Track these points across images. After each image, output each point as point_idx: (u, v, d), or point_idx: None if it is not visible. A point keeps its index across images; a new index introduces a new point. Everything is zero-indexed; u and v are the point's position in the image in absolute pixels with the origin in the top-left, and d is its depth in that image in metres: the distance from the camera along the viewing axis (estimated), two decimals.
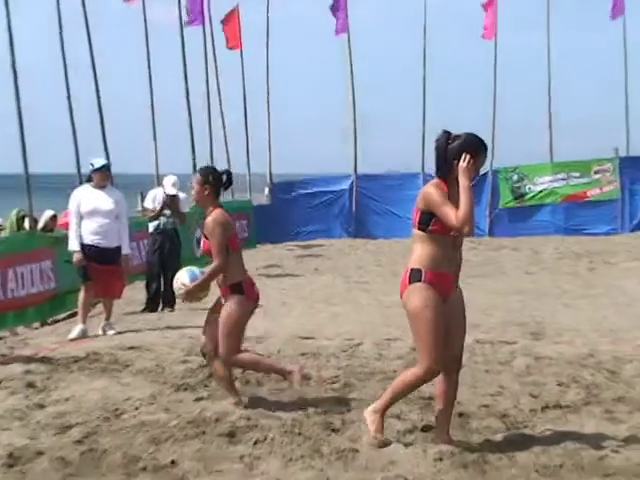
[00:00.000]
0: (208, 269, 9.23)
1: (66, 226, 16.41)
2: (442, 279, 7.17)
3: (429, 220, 7.11)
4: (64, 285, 18.44)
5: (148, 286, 17.48)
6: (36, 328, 17.44)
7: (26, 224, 19.35)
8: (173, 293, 17.47)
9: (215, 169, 9.80)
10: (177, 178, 18.26)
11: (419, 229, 7.19)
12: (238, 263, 9.29)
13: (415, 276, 7.18)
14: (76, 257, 14.36)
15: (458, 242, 7.35)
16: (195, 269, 9.45)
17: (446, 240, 7.17)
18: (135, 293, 17.64)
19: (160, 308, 17.29)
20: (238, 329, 9.17)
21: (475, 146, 7.20)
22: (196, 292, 9.34)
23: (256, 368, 9.66)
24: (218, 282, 9.28)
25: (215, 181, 9.46)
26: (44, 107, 23.77)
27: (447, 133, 7.27)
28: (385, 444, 7.41)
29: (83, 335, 14.01)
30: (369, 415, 7.48)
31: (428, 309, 7.12)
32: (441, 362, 7.23)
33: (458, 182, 7.06)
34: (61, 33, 23.30)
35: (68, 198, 14.93)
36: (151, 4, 28.27)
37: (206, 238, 9.27)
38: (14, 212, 19.63)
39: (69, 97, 23.21)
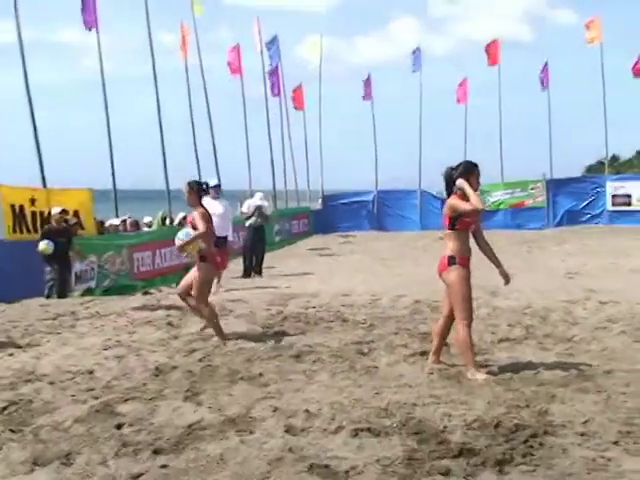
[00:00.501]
0: (195, 233, 9.22)
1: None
2: (466, 261, 7.13)
3: (455, 222, 7.09)
4: (192, 260, 18.59)
5: (244, 261, 17.56)
6: (173, 287, 17.53)
7: (167, 222, 19.59)
8: (261, 265, 17.81)
9: (197, 181, 9.94)
10: (263, 193, 18.91)
11: (450, 229, 7.16)
12: (209, 242, 9.35)
13: (452, 260, 7.13)
14: (177, 244, 14.62)
15: (478, 234, 7.29)
16: (190, 231, 9.34)
17: (467, 235, 7.16)
18: (235, 265, 17.66)
19: (252, 275, 17.37)
20: (204, 286, 9.25)
21: (470, 168, 7.16)
22: (186, 246, 9.31)
23: (209, 320, 9.35)
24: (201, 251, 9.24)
25: (197, 188, 9.51)
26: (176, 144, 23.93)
27: (450, 167, 7.24)
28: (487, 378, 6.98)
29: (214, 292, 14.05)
30: (471, 374, 7.00)
31: (463, 281, 7.07)
32: (471, 314, 7.17)
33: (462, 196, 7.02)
34: (190, 99, 23.39)
35: None
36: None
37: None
38: (159, 214, 19.89)
39: (195, 144, 23.31)
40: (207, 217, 9.33)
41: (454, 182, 7.14)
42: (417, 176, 33.53)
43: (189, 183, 9.61)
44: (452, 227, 7.17)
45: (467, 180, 7.07)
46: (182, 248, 9.44)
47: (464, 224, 7.14)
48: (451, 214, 7.15)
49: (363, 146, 34.94)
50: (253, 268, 17.58)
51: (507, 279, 7.48)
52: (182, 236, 9.35)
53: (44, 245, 13.37)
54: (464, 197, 7.04)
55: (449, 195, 7.26)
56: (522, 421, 5.60)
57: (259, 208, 17.72)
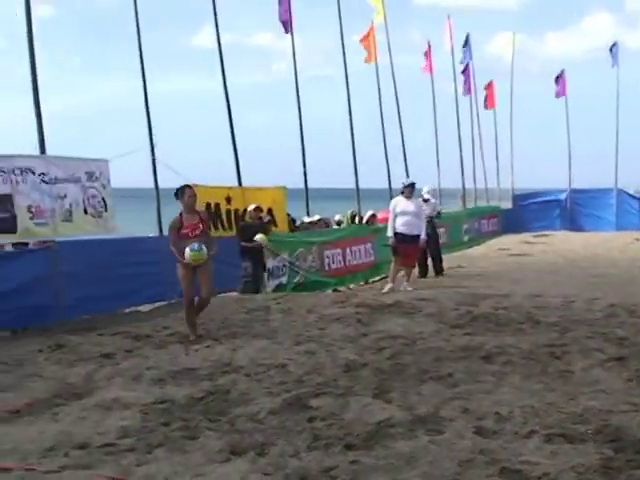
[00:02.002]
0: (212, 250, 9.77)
1: (384, 220, 16.68)
2: None
3: None
4: (379, 258, 18.78)
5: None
6: (361, 285, 17.74)
7: (356, 220, 19.82)
8: (441, 263, 17.67)
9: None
10: (430, 187, 18.95)
11: None
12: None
13: None
14: (391, 241, 14.68)
15: None
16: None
17: None
18: None
19: (433, 275, 17.28)
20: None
21: None
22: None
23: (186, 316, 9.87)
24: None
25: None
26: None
27: None
28: None
29: (391, 290, 14.10)
30: None
31: None
32: None
33: None
34: (380, 98, 23.52)
35: (386, 204, 15.53)
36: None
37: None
38: (349, 212, 20.13)
39: (384, 143, 23.42)
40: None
41: None
42: (613, 173, 31.97)
43: (192, 187, 10.17)
44: None
45: None
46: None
47: None
48: None
49: (555, 144, 33.73)
50: (435, 267, 17.45)
51: None
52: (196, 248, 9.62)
53: (261, 236, 13.97)
54: None
55: None
56: None
57: (426, 203, 17.47)
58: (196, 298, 9.92)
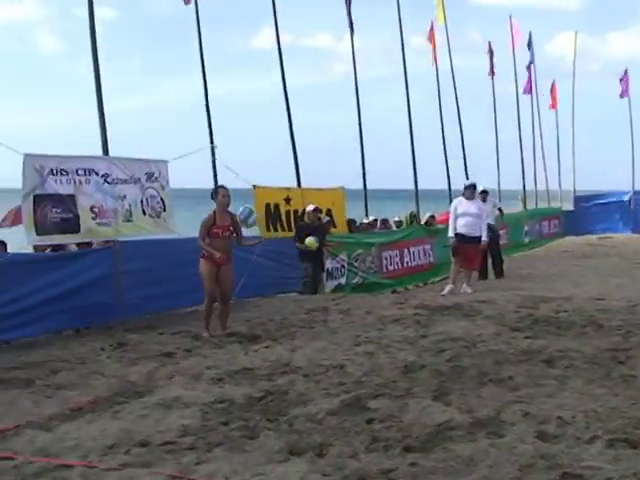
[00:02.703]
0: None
1: (443, 222, 16.60)
2: None
3: None
4: (438, 260, 18.70)
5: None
6: (420, 287, 17.64)
7: (415, 221, 19.75)
8: (501, 265, 17.44)
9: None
10: (483, 187, 18.24)
11: None
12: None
13: None
14: (451, 241, 14.61)
15: None
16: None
17: None
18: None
19: (494, 277, 17.09)
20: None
21: None
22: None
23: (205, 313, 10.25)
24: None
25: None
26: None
27: None
28: None
29: (451, 292, 14.01)
30: None
31: None
32: None
33: None
34: (439, 99, 23.40)
35: (447, 205, 15.43)
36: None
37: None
38: (408, 213, 20.07)
39: (444, 144, 23.29)
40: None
41: None
42: None
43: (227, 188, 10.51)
44: None
45: None
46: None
47: None
48: None
49: (618, 145, 32.94)
50: (495, 269, 17.27)
51: None
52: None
53: (311, 240, 13.94)
54: None
55: None
56: None
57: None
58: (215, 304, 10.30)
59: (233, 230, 10.31)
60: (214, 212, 10.28)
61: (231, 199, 10.36)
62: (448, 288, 14.20)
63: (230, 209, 10.37)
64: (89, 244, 11.79)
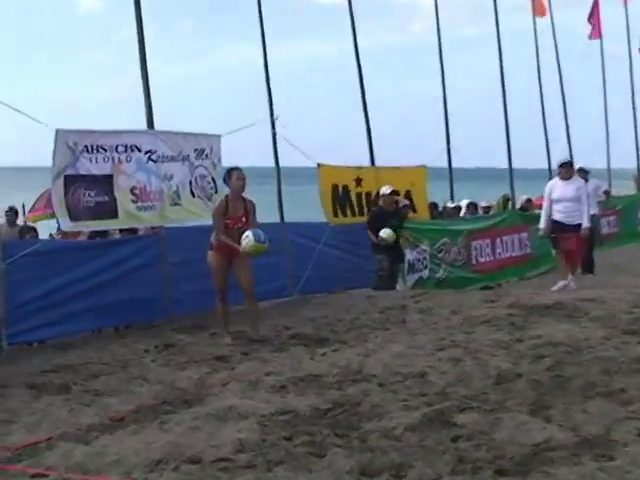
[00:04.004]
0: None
1: (540, 206, 16.43)
2: None
3: None
4: (536, 250, 18.53)
5: None
6: (515, 282, 17.49)
7: (509, 205, 19.59)
8: (592, 262, 17.12)
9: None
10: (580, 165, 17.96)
11: None
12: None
13: None
14: (541, 231, 14.48)
15: None
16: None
17: None
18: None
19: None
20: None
21: None
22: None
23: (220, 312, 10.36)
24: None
25: None
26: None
27: None
28: None
29: (563, 288, 13.88)
30: None
31: None
32: None
33: None
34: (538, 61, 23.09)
35: (541, 188, 15.21)
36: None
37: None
38: (500, 196, 19.93)
39: (543, 115, 22.95)
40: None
41: None
42: None
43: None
44: None
45: None
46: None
47: None
48: None
49: None
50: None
51: None
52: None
53: (389, 233, 13.94)
54: None
55: None
56: None
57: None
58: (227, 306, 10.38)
59: (246, 222, 10.14)
60: (226, 198, 10.27)
61: (246, 183, 10.29)
62: (561, 284, 14.04)
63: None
64: (134, 231, 11.96)
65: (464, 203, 19.13)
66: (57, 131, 10.47)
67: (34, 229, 12.93)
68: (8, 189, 33.84)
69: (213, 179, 12.46)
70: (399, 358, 8.45)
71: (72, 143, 10.63)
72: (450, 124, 18.94)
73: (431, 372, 7.79)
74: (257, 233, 9.70)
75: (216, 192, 12.41)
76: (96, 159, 10.89)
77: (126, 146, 11.23)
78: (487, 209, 19.70)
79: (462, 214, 18.82)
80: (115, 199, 11.10)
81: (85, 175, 10.78)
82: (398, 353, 8.69)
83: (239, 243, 9.80)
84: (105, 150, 10.97)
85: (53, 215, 11.54)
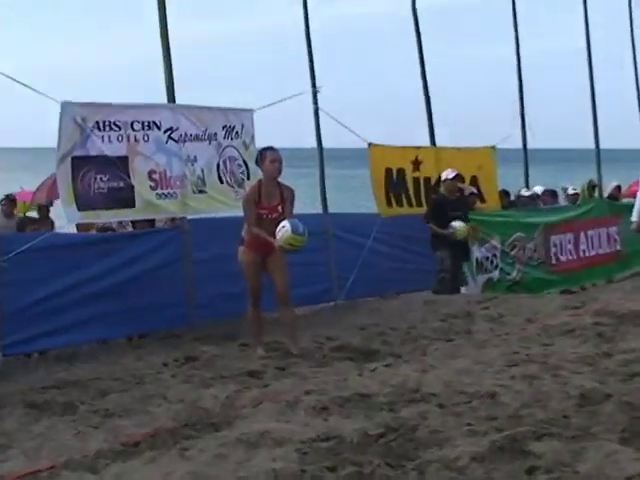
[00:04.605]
0: None
1: (631, 194, 16.28)
2: None
3: None
4: (628, 247, 18.37)
5: None
6: (602, 285, 17.37)
7: (596, 193, 19.42)
8: None
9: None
10: None
11: None
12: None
13: None
14: (634, 224, 14.31)
15: None
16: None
17: None
18: None
19: None
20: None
21: None
22: None
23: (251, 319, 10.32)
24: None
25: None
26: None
27: None
28: None
29: None
30: None
31: None
32: None
33: None
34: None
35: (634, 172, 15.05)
36: None
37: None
38: (585, 182, 19.77)
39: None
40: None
41: None
42: None
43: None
44: None
45: None
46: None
47: None
48: None
49: None
50: None
51: None
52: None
53: (462, 226, 13.91)
54: None
55: None
56: None
57: None
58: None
59: (283, 211, 10.04)
60: (259, 184, 10.17)
61: (283, 166, 10.18)
62: None
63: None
64: (151, 222, 12.00)
65: (539, 190, 18.95)
66: (63, 104, 10.51)
67: (37, 220, 13.04)
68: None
69: (244, 162, 12.46)
70: (464, 375, 8.42)
71: (80, 119, 10.67)
72: (525, 97, 18.79)
73: (502, 392, 7.74)
74: (295, 223, 9.65)
75: (248, 178, 12.41)
76: (109, 138, 10.92)
77: (143, 123, 11.26)
78: (574, 197, 19.47)
79: (542, 204, 18.67)
80: (132, 185, 11.10)
81: (96, 157, 10.82)
82: (462, 369, 8.66)
83: (274, 237, 9.72)
84: (119, 127, 10.99)
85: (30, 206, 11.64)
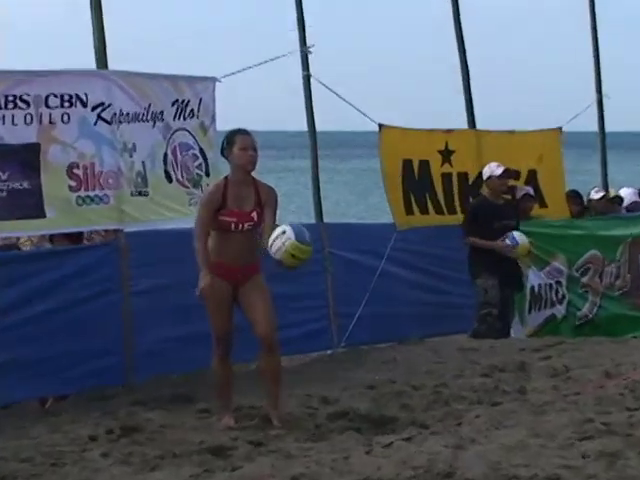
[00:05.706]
0: None
1: None
2: None
3: None
4: None
5: None
6: None
7: None
8: None
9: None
10: None
11: None
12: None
13: None
14: None
15: None
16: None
17: None
18: None
19: None
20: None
21: None
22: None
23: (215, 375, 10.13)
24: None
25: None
26: None
27: None
28: None
29: None
30: None
31: None
32: None
33: None
34: None
35: None
36: None
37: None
38: None
39: None
40: None
41: None
42: None
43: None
44: None
45: None
46: None
47: None
48: None
49: None
50: None
51: None
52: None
53: (525, 241, 13.92)
54: None
55: None
56: None
57: None
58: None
59: (259, 220, 9.72)
60: (225, 182, 9.86)
61: (259, 155, 9.98)
62: None
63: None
64: (78, 237, 11.94)
65: (629, 193, 18.94)
66: None
67: None
68: None
69: (202, 151, 12.41)
70: (514, 452, 8.42)
71: None
72: (602, 72, 18.79)
73: (570, 476, 7.77)
74: (298, 227, 9.55)
75: (207, 174, 12.38)
76: (12, 118, 10.91)
77: (62, 97, 11.22)
78: None
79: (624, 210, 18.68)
80: (40, 186, 11.05)
81: None
82: (514, 445, 8.66)
83: (247, 256, 9.73)
84: (27, 104, 10.96)
85: None
